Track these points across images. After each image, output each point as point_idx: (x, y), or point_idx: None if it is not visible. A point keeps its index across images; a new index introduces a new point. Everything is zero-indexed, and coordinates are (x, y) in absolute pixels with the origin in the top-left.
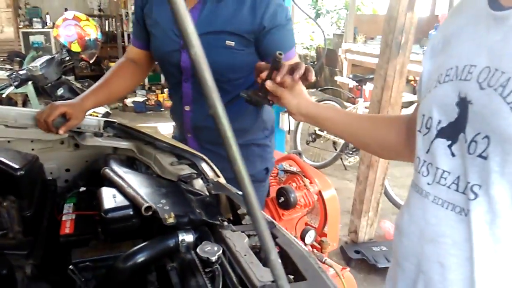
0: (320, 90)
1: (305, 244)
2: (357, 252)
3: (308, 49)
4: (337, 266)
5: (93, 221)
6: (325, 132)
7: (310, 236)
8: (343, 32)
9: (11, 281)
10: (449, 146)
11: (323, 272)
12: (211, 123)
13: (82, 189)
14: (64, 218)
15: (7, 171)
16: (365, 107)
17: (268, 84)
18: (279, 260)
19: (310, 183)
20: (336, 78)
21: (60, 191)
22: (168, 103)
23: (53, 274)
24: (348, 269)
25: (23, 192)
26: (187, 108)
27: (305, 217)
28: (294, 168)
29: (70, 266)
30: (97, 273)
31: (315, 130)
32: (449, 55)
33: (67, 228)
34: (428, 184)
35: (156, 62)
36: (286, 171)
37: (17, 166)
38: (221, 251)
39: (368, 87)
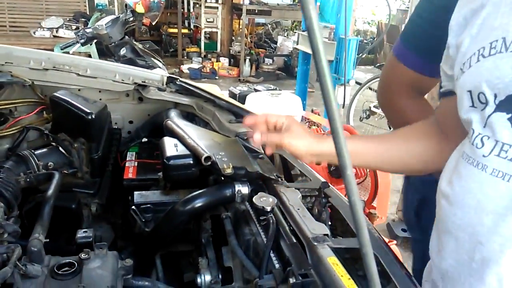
0: (377, 67)
1: None
2: (404, 230)
3: (369, 24)
4: (384, 238)
5: (154, 169)
6: (380, 109)
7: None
8: (407, 8)
9: (79, 216)
10: (510, 119)
11: (372, 230)
12: None
13: (144, 140)
14: (127, 164)
15: (79, 114)
16: None
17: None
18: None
19: None
20: None
21: (123, 141)
22: (223, 72)
23: (115, 217)
24: (394, 242)
25: (93, 135)
26: None
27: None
28: None
29: (133, 207)
30: (157, 215)
31: (370, 107)
32: (489, 28)
33: (130, 173)
34: (484, 156)
35: None
36: None
37: (88, 110)
38: (275, 202)
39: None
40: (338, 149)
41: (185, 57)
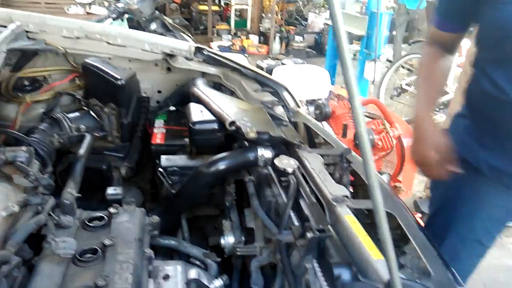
0: (412, 43)
1: None
2: None
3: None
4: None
5: (181, 135)
6: (412, 87)
7: (384, 179)
8: None
9: (109, 177)
10: None
11: (391, 191)
12: None
13: (172, 108)
14: (155, 130)
15: (110, 80)
16: (457, 65)
17: None
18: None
19: (390, 127)
20: None
21: (152, 109)
22: (253, 50)
23: (143, 181)
24: (419, 215)
25: (122, 101)
26: None
27: (381, 163)
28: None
29: (160, 170)
30: (183, 178)
31: (401, 85)
32: None
33: (158, 139)
34: None
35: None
36: (365, 115)
37: (118, 77)
38: (297, 165)
39: (465, 44)
40: (355, 113)
41: (215, 35)
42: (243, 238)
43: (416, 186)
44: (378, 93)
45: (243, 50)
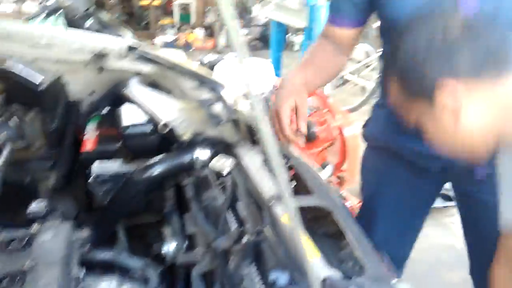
0: None
1: None
2: None
3: None
4: (353, 199)
5: (114, 140)
6: (354, 76)
7: (328, 170)
8: None
9: (34, 190)
10: None
11: (330, 189)
12: None
13: (106, 110)
14: (86, 136)
15: (29, 85)
16: None
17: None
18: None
19: (332, 118)
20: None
21: (84, 113)
22: (198, 44)
23: (77, 190)
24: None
25: (46, 107)
26: None
27: (326, 154)
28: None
29: (91, 179)
30: (116, 186)
31: (343, 75)
32: None
33: (88, 145)
34: None
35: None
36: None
37: (38, 81)
38: (232, 164)
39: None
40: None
41: (159, 30)
42: (185, 245)
43: None
44: None
45: (188, 45)
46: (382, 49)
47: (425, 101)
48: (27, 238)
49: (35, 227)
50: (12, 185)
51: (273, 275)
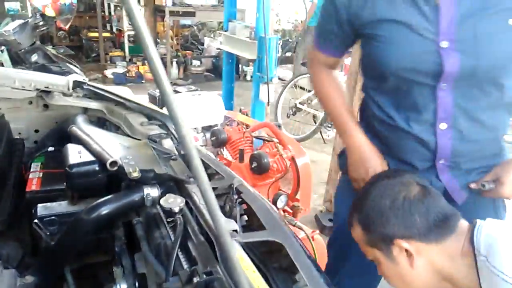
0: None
1: (278, 209)
2: (331, 220)
3: (293, 24)
4: (307, 229)
5: (60, 179)
6: (305, 105)
7: (282, 201)
8: None
9: None
10: None
11: (283, 223)
12: (477, 144)
13: (51, 149)
14: (31, 176)
15: None
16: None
17: None
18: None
19: (284, 149)
20: None
21: (28, 151)
22: (149, 75)
23: (22, 233)
24: (317, 231)
25: None
26: (443, 126)
27: (279, 184)
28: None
29: (35, 220)
30: (63, 228)
31: (295, 104)
32: None
33: (33, 185)
34: None
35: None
36: (259, 138)
37: None
38: (183, 203)
39: (348, 61)
40: (180, 136)
41: (109, 62)
42: (136, 286)
43: (315, 200)
44: (276, 113)
45: (139, 77)
46: (363, 82)
47: None
48: None
49: None
50: None
51: None
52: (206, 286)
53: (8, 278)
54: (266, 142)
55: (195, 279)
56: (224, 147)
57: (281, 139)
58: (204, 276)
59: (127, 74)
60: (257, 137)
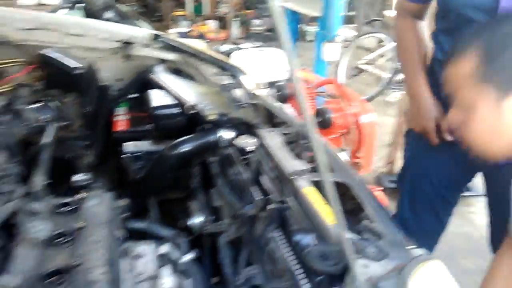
0: (367, 23)
1: None
2: (391, 181)
3: None
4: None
5: (143, 122)
6: (369, 66)
7: (344, 156)
8: None
9: (75, 166)
10: None
11: (348, 167)
12: None
13: (133, 95)
14: (118, 118)
15: (67, 70)
16: None
17: None
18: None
19: (348, 105)
20: (385, 12)
21: (113, 98)
22: (212, 35)
23: (109, 169)
24: (381, 188)
25: (82, 91)
26: None
27: (341, 140)
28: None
29: (124, 155)
30: (147, 163)
31: (358, 64)
32: None
33: (120, 126)
34: None
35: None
36: (323, 94)
37: (75, 66)
38: (256, 142)
39: None
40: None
41: (172, 21)
42: (211, 217)
43: (377, 162)
44: (337, 74)
45: (202, 36)
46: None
47: None
48: (76, 204)
49: (82, 194)
50: (57, 160)
51: (297, 237)
52: (280, 213)
53: (108, 198)
54: (330, 98)
55: (270, 207)
56: (288, 102)
57: (345, 95)
58: (278, 204)
59: (190, 33)
60: (320, 94)
